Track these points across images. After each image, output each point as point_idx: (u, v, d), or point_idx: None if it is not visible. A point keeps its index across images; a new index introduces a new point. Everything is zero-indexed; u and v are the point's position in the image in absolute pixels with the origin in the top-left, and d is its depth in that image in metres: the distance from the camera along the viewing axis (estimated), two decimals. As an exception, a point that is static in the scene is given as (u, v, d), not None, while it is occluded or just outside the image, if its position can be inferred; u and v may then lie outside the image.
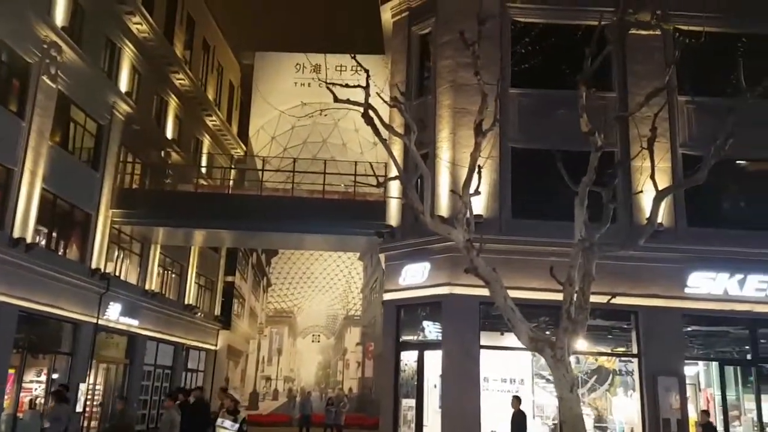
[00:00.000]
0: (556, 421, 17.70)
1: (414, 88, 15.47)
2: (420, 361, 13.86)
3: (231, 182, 30.84)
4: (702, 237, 13.58)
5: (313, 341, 32.41)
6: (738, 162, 14.33)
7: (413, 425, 13.70)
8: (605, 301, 11.13)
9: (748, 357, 13.72)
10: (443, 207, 13.96)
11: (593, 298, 11.22)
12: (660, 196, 10.24)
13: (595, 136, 9.30)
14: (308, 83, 33.60)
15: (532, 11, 14.89)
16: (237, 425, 8.08)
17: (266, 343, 32.60)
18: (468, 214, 10.64)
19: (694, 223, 13.90)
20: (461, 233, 9.57)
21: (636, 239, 10.36)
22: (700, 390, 16.17)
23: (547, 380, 19.79)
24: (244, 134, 34.31)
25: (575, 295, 10.52)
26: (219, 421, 8.12)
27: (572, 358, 17.20)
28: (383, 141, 10.15)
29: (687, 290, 13.40)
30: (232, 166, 31.16)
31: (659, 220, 13.81)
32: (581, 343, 14.76)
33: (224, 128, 31.02)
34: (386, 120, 12.60)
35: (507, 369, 14.35)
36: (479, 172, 11.43)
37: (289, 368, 32.15)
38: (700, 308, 13.38)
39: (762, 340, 14.19)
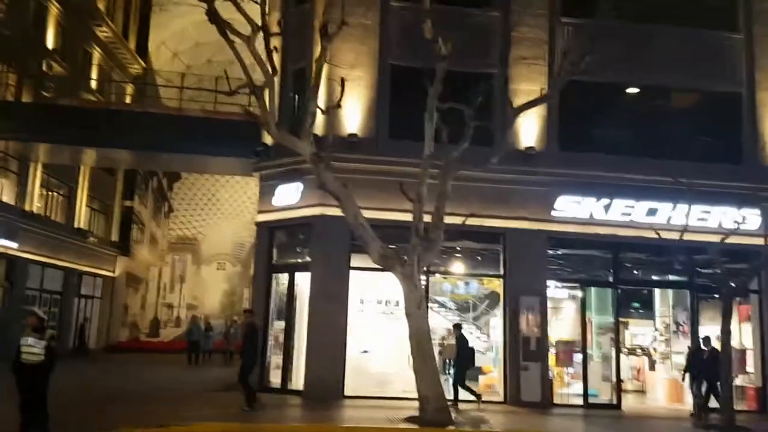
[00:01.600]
0: (443, 342, 18.13)
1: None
2: (291, 283, 13.61)
3: (126, 97, 29.04)
4: (572, 161, 13.69)
5: (218, 269, 31.81)
6: (612, 87, 14.34)
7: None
8: (461, 222, 11.07)
9: (610, 279, 14.21)
10: (318, 124, 13.39)
11: (453, 219, 11.20)
12: (513, 114, 10.06)
13: (438, 43, 8.87)
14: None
15: None
16: (44, 342, 7.53)
17: (168, 270, 31.72)
18: (330, 131, 10.20)
19: (566, 148, 13.96)
20: (307, 146, 9.11)
21: (489, 158, 10.21)
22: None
23: (441, 305, 20.16)
24: (144, 49, 32.08)
25: (431, 215, 10.40)
26: (23, 340, 7.55)
27: (462, 283, 17.54)
28: (230, 43, 9.37)
29: (554, 213, 13.58)
30: (124, 81, 29.08)
31: (531, 144, 13.93)
32: (457, 266, 15.03)
33: (118, 41, 28.73)
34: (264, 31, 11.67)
35: (384, 290, 14.37)
36: (342, 85, 10.89)
37: (192, 296, 31.53)
38: (566, 231, 13.64)
39: (627, 264, 14.77)
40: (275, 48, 9.83)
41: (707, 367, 11.88)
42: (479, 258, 14.39)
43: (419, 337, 9.82)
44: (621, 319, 17.68)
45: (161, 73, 30.97)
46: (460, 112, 10.68)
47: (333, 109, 11.06)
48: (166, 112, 20.22)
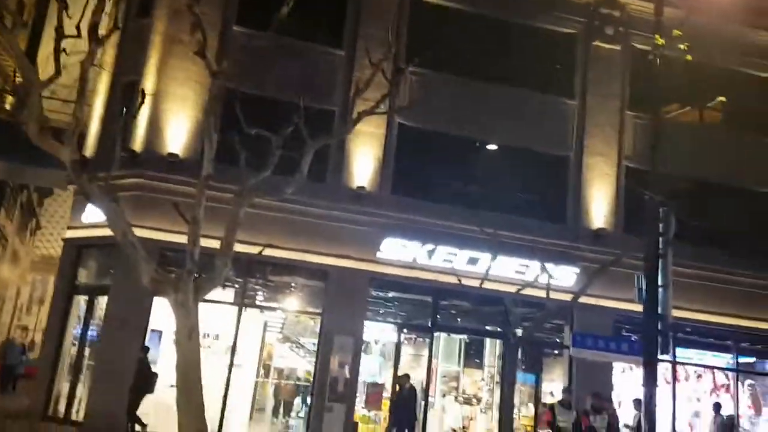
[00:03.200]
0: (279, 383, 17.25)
1: (134, 7, 14.22)
2: (89, 307, 12.79)
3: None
4: (402, 205, 13.77)
5: (82, 293, 29.84)
6: (448, 138, 14.61)
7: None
8: (258, 252, 10.74)
9: (429, 324, 14.20)
10: (139, 139, 12.98)
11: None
12: (311, 146, 9.91)
13: (207, 58, 8.70)
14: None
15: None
16: None
17: (28, 290, 29.57)
18: (118, 143, 9.74)
19: (397, 191, 14.07)
20: (68, 152, 8.61)
21: (284, 188, 10.03)
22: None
23: (298, 345, 19.47)
24: (33, 59, 30.74)
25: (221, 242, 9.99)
26: None
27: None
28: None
29: (379, 254, 13.51)
30: None
31: (363, 184, 13.94)
32: (290, 302, 14.60)
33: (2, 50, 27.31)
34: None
35: (205, 323, 13.75)
36: (142, 97, 10.50)
37: (50, 319, 29.37)
38: (389, 273, 13.57)
39: (452, 311, 14.86)
40: (64, 50, 9.37)
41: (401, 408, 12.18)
42: (302, 294, 14.07)
43: (187, 369, 9.24)
44: (466, 368, 17.87)
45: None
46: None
47: (128, 119, 10.74)
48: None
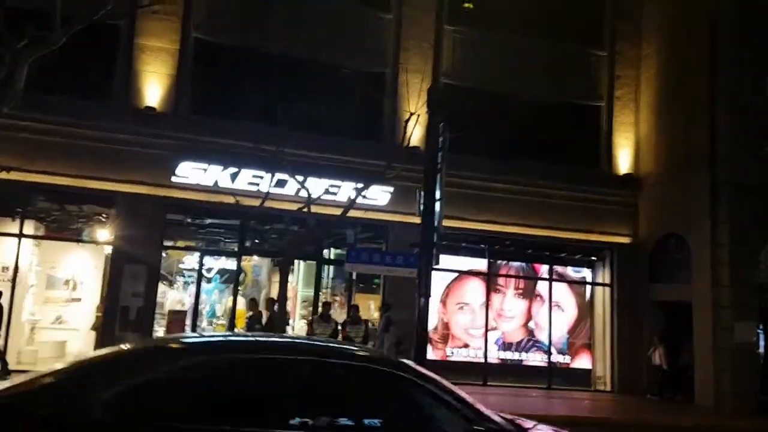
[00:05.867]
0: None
1: None
2: None
3: None
4: (201, 126, 13.03)
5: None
6: (256, 54, 13.73)
7: None
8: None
9: (236, 249, 13.83)
10: None
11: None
12: (24, 61, 8.94)
13: None
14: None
15: None
16: None
17: None
18: None
19: (196, 111, 13.30)
20: None
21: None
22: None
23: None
24: None
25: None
26: None
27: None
28: None
29: (174, 179, 12.84)
30: None
31: (153, 104, 13.06)
32: (78, 232, 13.73)
33: None
34: None
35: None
36: None
37: None
38: (188, 198, 12.97)
39: (267, 234, 14.51)
40: None
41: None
42: (91, 223, 13.32)
43: None
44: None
45: None
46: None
47: None
48: None
